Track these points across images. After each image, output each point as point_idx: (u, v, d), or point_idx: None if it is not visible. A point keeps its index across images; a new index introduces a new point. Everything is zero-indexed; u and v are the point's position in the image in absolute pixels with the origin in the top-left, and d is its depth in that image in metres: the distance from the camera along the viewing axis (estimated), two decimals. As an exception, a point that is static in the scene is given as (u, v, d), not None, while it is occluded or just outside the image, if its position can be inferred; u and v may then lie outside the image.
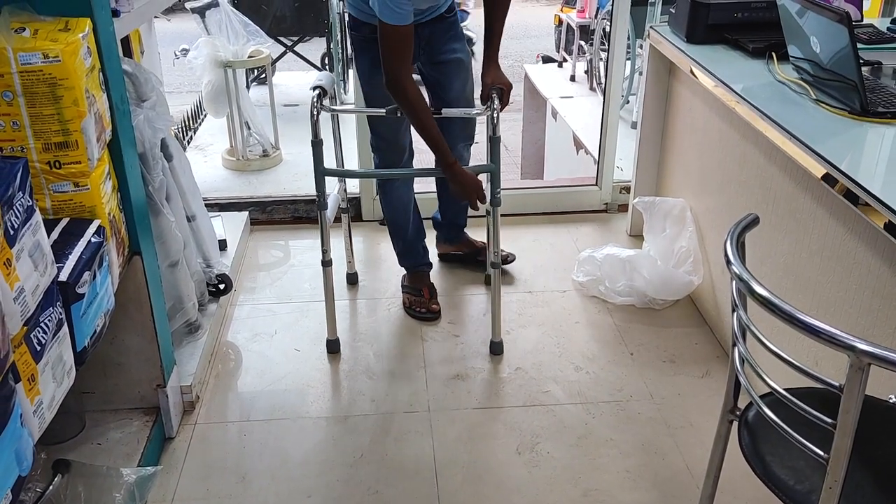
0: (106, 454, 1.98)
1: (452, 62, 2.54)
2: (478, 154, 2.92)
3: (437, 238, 3.03)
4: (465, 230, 2.99)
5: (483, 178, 2.45)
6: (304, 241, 3.27)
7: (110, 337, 1.95)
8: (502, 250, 2.89)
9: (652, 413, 2.26)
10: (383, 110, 2.36)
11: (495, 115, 2.31)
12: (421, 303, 2.72)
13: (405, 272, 2.84)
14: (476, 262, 2.97)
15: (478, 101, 2.48)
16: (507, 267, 2.95)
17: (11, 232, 1.26)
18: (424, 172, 2.42)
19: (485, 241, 2.96)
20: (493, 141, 2.32)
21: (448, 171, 2.31)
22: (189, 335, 2.42)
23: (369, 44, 2.35)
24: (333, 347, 2.55)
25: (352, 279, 2.94)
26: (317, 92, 2.34)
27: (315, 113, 2.31)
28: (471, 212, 2.87)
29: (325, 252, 2.48)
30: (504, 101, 2.37)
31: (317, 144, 2.32)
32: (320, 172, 2.36)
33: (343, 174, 2.93)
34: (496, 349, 2.53)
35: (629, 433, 2.18)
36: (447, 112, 2.40)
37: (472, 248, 2.99)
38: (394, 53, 2.18)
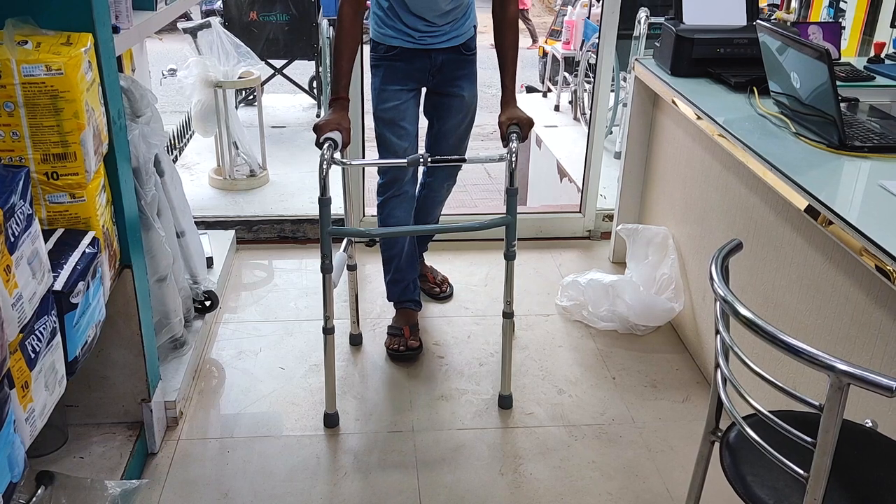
0: (88, 468, 1.97)
1: (456, 97, 2.54)
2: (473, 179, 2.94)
3: None
4: (423, 255, 2.98)
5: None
6: (290, 260, 3.28)
7: (97, 350, 1.95)
8: (444, 280, 2.98)
9: (633, 437, 2.28)
10: (405, 160, 2.19)
11: (513, 162, 2.13)
12: (399, 341, 2.62)
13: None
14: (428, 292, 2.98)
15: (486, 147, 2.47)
16: (490, 289, 2.99)
17: (12, 239, 1.27)
18: (447, 228, 2.21)
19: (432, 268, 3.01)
20: (510, 193, 2.16)
21: (333, 102, 2.26)
22: (174, 351, 2.43)
23: (384, 61, 2.47)
24: (332, 422, 2.30)
25: (355, 340, 2.70)
26: (327, 144, 2.08)
27: (325, 167, 2.03)
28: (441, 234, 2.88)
29: (327, 318, 2.21)
30: (523, 136, 2.25)
31: (325, 203, 2.06)
32: (328, 233, 2.09)
33: (353, 234, 2.63)
34: (505, 403, 2.39)
35: (611, 456, 2.21)
36: (471, 159, 2.26)
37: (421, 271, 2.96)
38: None
